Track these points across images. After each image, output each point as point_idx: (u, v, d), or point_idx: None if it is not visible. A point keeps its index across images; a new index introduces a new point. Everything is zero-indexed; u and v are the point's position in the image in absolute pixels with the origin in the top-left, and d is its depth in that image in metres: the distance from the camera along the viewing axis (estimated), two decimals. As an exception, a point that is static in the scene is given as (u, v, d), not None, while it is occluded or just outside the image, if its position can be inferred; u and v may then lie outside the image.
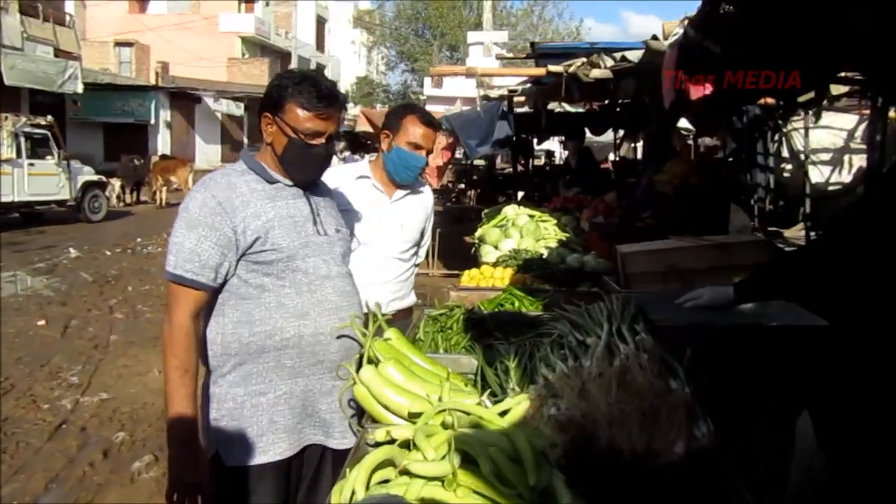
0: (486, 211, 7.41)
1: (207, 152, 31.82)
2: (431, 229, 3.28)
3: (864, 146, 9.17)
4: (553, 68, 4.64)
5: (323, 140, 2.11)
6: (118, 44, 31.98)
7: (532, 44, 5.59)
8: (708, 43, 2.70)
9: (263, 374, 2.05)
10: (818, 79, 4.00)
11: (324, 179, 3.06)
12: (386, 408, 1.72)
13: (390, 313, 2.96)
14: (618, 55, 4.37)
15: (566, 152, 16.48)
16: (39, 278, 10.29)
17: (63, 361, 6.31)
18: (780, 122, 8.06)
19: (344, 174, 3.04)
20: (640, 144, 15.81)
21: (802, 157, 9.23)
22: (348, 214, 2.88)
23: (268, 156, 2.14)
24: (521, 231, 4.65)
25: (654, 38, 3.59)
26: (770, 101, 5.91)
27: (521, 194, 11.19)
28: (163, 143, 28.68)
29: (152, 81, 28.95)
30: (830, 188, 8.65)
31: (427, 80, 34.28)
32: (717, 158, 6.52)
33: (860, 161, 9.30)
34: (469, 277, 3.59)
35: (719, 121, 6.84)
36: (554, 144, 17.98)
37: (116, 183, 20.52)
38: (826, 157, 9.10)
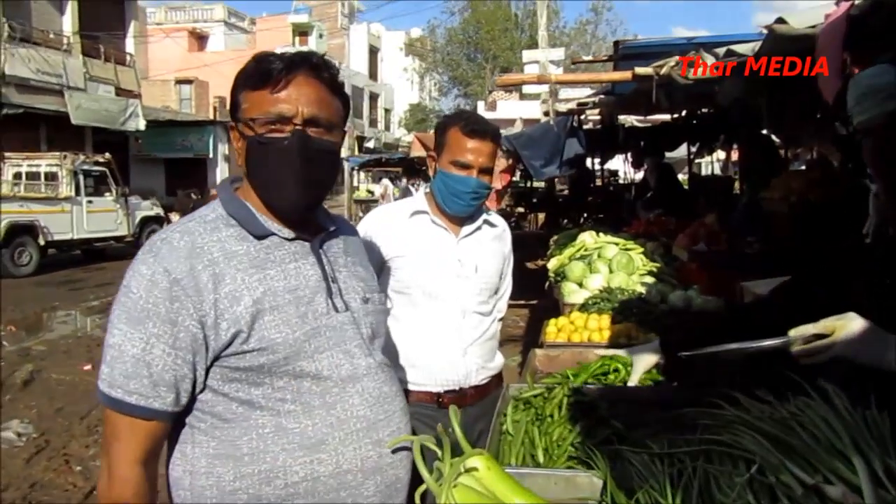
0: (555, 238, 6.67)
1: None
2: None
3: None
4: (641, 70, 3.93)
5: (294, 125, 1.37)
6: (178, 81, 32.63)
7: (616, 43, 4.92)
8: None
9: None
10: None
11: (371, 218, 2.41)
12: None
13: (480, 382, 2.29)
14: (720, 50, 3.62)
15: (632, 170, 15.64)
16: (93, 318, 10.03)
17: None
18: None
19: (395, 211, 2.39)
20: (712, 158, 14.81)
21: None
22: (404, 262, 2.23)
23: (251, 189, 1.45)
24: (609, 264, 3.92)
25: (780, 20, 2.83)
26: None
27: (584, 217, 10.44)
28: (221, 176, 28.90)
29: (210, 116, 29.35)
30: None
31: (480, 104, 33.79)
32: (841, 169, 5.66)
33: None
34: (556, 329, 2.89)
35: (822, 127, 5.96)
36: (617, 163, 17.09)
37: (175, 217, 20.62)
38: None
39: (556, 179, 17.20)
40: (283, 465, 1.33)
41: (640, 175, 15.40)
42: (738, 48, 3.38)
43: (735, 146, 10.56)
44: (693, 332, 1.69)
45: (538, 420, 1.81)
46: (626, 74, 4.15)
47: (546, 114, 6.21)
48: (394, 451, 1.45)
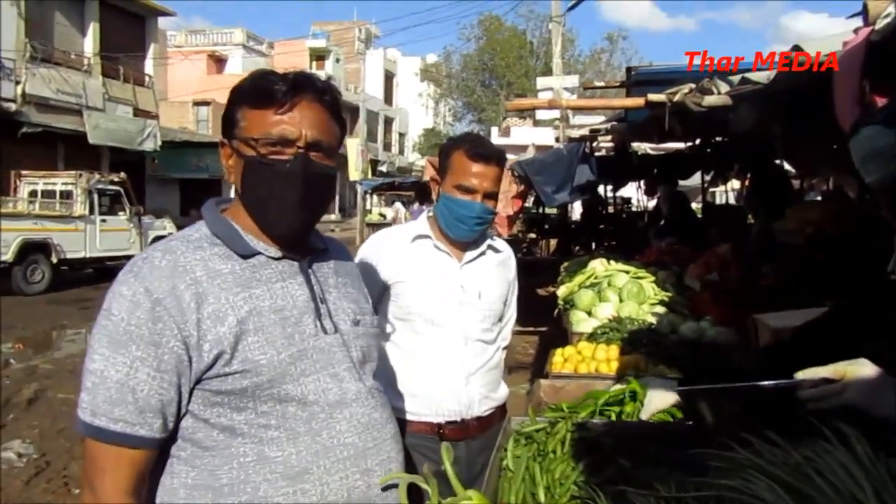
0: (566, 264, 6.59)
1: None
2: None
3: None
4: (654, 97, 3.88)
5: (296, 149, 1.34)
6: (196, 103, 33.07)
7: (628, 69, 4.89)
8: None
9: None
10: None
11: (372, 242, 2.35)
12: None
13: (484, 413, 2.22)
14: (734, 78, 3.57)
15: (645, 197, 15.56)
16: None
17: (106, 434, 5.78)
18: None
19: (397, 236, 2.33)
20: (726, 188, 14.71)
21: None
22: (405, 288, 2.17)
23: (241, 208, 1.40)
24: (619, 293, 3.84)
25: (797, 48, 2.78)
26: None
27: (595, 244, 10.35)
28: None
29: (226, 138, 29.62)
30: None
31: (494, 130, 33.91)
32: (858, 201, 5.57)
33: None
34: (563, 359, 2.80)
35: (839, 157, 5.87)
36: (629, 190, 17.06)
37: (188, 237, 20.75)
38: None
39: (569, 206, 17.20)
40: (263, 496, 1.27)
41: (653, 203, 15.38)
42: (753, 76, 3.33)
43: (749, 175, 10.49)
44: (717, 370, 1.59)
45: (540, 456, 1.73)
46: (639, 101, 4.10)
47: (557, 139, 6.16)
48: (383, 482, 1.39)
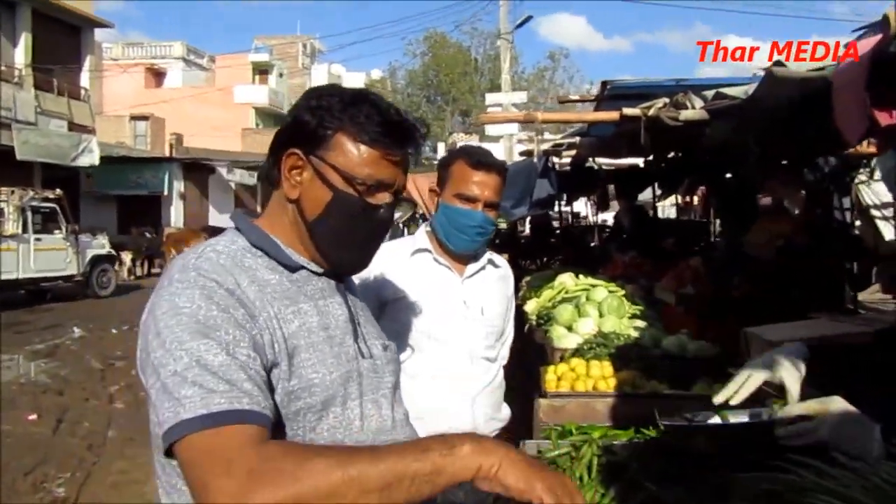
0: (527, 279, 6.55)
1: (221, 222, 31.44)
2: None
3: (941, 197, 8.35)
4: (629, 111, 3.88)
5: (389, 198, 1.30)
6: (134, 117, 32.12)
7: (603, 83, 4.91)
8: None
9: None
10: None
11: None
12: None
13: (489, 434, 2.12)
14: (708, 93, 3.60)
15: (594, 212, 15.75)
16: (38, 362, 9.48)
17: (51, 467, 5.41)
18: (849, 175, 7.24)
19: (395, 250, 2.22)
20: (664, 203, 15.02)
21: (872, 211, 8.40)
22: (405, 304, 2.07)
23: (285, 224, 1.31)
24: (599, 307, 3.79)
25: (779, 63, 2.80)
26: (866, 149, 5.11)
27: (546, 259, 10.37)
28: (176, 213, 28.32)
29: (167, 153, 28.83)
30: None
31: (440, 146, 34.01)
32: (830, 216, 5.72)
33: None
34: (556, 377, 2.72)
35: (794, 173, 6.03)
36: (578, 205, 17.32)
37: (127, 256, 20.04)
38: (892, 211, 8.25)
39: (518, 221, 17.29)
40: None
41: (604, 217, 15.60)
42: (730, 91, 3.36)
43: (701, 190, 10.74)
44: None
45: (565, 484, 1.64)
46: (614, 115, 4.10)
47: (529, 153, 6.15)
48: None
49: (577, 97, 5.96)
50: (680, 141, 4.48)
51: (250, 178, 31.60)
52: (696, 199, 12.16)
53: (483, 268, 2.25)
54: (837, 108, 2.13)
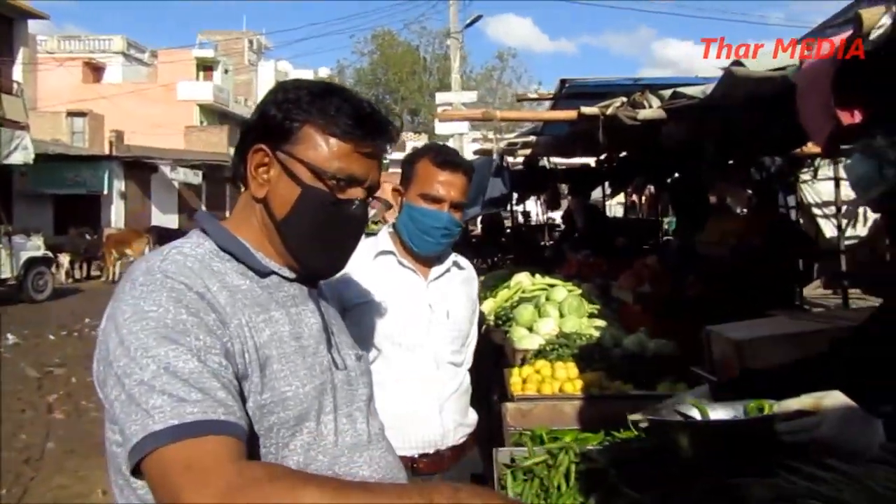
0: (482, 279, 6.52)
1: (164, 223, 30.60)
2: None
3: (877, 196, 8.68)
4: (587, 110, 3.87)
5: (362, 194, 1.25)
6: (70, 114, 30.90)
7: (562, 81, 4.90)
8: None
9: None
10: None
11: None
12: None
13: (458, 441, 2.06)
14: (665, 93, 3.61)
15: (543, 211, 15.86)
16: (-32, 371, 9.00)
17: (-16, 483, 5.12)
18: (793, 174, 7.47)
19: (357, 252, 2.14)
20: (612, 201, 15.25)
21: (814, 210, 8.68)
22: (368, 309, 1.99)
23: (253, 225, 1.24)
24: (559, 307, 3.77)
25: (738, 63, 2.82)
26: (811, 149, 5.24)
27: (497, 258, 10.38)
28: (117, 214, 27.40)
29: (106, 151, 27.84)
30: (847, 242, 8.03)
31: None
32: (780, 214, 5.83)
33: (875, 214, 8.81)
34: (521, 379, 2.68)
35: (740, 171, 6.16)
36: (529, 204, 17.43)
37: (65, 258, 19.27)
38: (833, 209, 8.54)
39: (469, 220, 17.27)
40: None
41: (552, 215, 15.72)
42: (688, 90, 3.38)
43: (649, 189, 10.92)
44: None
45: (543, 491, 1.59)
46: (572, 114, 4.09)
47: (486, 152, 6.11)
48: None
49: (535, 95, 5.94)
50: (636, 140, 4.51)
51: (195, 177, 30.82)
52: (643, 198, 12.39)
53: (448, 270, 2.19)
54: (802, 107, 2.14)
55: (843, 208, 8.12)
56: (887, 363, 1.48)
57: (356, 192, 1.23)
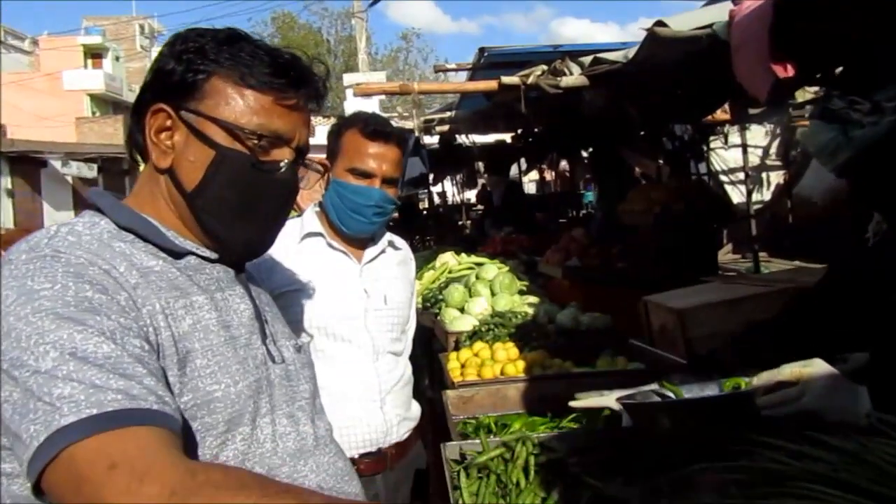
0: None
1: (58, 220, 28.80)
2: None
3: (779, 163, 9.05)
4: (507, 80, 3.73)
5: (290, 155, 1.04)
6: (-58, 108, 28.46)
7: (481, 49, 4.73)
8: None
9: None
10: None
11: None
12: None
13: (402, 437, 1.90)
14: (585, 59, 3.52)
15: (458, 190, 15.81)
16: None
17: None
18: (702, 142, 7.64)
19: (281, 235, 1.92)
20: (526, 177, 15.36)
21: (722, 177, 8.95)
22: (298, 297, 1.78)
23: (159, 203, 1.03)
24: (490, 285, 3.64)
25: (661, 23, 2.74)
26: (719, 116, 5.33)
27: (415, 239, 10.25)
28: (5, 213, 25.49)
29: (-12, 146, 25.82)
30: (754, 207, 8.33)
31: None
32: (701, 181, 5.90)
33: (777, 178, 9.19)
34: (459, 364, 2.53)
35: (654, 142, 6.23)
36: (445, 183, 17.33)
37: (-53, 263, 17.78)
38: (742, 175, 8.84)
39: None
40: None
41: (468, 195, 15.68)
42: (609, 56, 3.29)
43: (563, 164, 11.00)
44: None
45: (500, 487, 1.44)
46: (492, 84, 3.95)
47: (411, 131, 5.89)
48: None
49: (453, 66, 5.77)
50: (557, 110, 4.42)
51: (89, 171, 29.05)
52: (553, 174, 12.48)
53: (383, 251, 2.01)
54: (738, 64, 2.07)
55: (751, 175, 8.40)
56: (853, 325, 1.41)
57: (283, 153, 1.03)
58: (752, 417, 1.19)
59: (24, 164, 26.68)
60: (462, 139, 8.44)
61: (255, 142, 0.99)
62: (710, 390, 1.32)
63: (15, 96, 31.12)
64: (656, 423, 1.29)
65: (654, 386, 1.40)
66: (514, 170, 10.38)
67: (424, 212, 12.39)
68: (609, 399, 1.55)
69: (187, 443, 0.89)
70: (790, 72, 2.10)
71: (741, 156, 7.91)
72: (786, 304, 1.78)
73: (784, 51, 2.00)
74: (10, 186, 26.04)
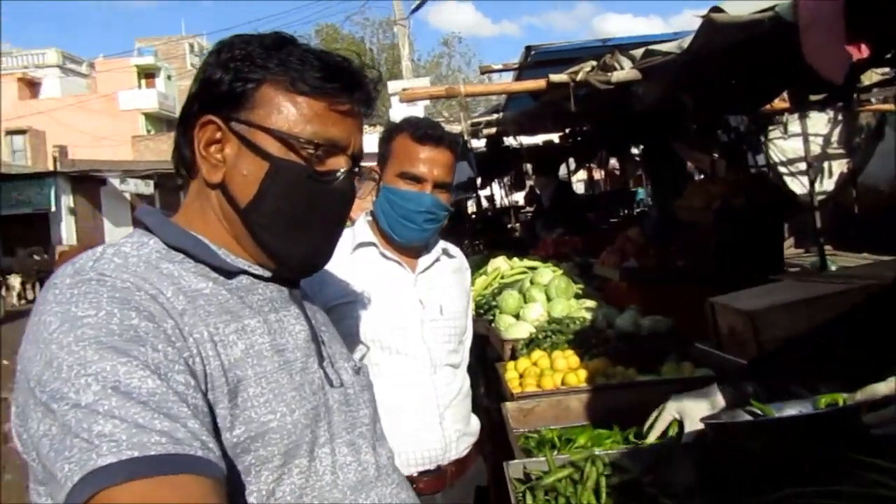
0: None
1: (118, 236, 29.71)
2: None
3: (841, 150, 8.65)
4: (556, 78, 3.63)
5: (346, 164, 0.98)
6: (10, 132, 29.78)
7: (527, 48, 4.64)
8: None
9: None
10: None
11: None
12: None
13: (462, 454, 1.83)
14: (637, 52, 3.39)
15: (505, 193, 15.65)
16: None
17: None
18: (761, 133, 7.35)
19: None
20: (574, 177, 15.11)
21: (781, 168, 8.60)
22: (351, 310, 1.72)
23: (210, 219, 0.98)
24: (545, 290, 3.54)
25: (717, 9, 2.60)
26: (777, 105, 5.09)
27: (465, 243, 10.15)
28: (67, 230, 26.46)
29: (50, 167, 26.86)
30: (818, 198, 7.97)
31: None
32: (761, 173, 5.68)
33: (840, 167, 8.78)
34: (517, 374, 2.44)
35: (708, 134, 6.01)
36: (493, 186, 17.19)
37: (15, 280, 18.55)
38: (803, 165, 8.47)
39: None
40: None
41: (516, 197, 15.53)
42: (662, 47, 3.15)
43: (612, 162, 10.78)
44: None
45: (572, 513, 1.34)
46: (540, 83, 3.85)
47: (459, 134, 5.81)
48: None
49: (499, 66, 5.68)
50: (608, 106, 4.29)
51: (146, 187, 29.96)
52: (602, 173, 12.24)
53: (437, 260, 1.94)
54: (808, 46, 1.93)
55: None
56: None
57: (339, 162, 0.97)
58: (859, 436, 1.07)
59: (84, 182, 27.67)
60: (509, 141, 8.34)
61: (311, 151, 0.94)
62: (804, 408, 1.19)
63: (74, 118, 32.30)
64: (746, 444, 1.18)
65: (718, 396, 1.29)
66: (562, 170, 10.22)
67: (473, 216, 12.35)
68: (687, 412, 1.44)
69: (241, 480, 0.84)
70: (864, 52, 1.96)
71: (801, 145, 7.56)
72: (857, 301, 1.63)
73: (855, 28, 1.86)
74: (72, 205, 27.03)
